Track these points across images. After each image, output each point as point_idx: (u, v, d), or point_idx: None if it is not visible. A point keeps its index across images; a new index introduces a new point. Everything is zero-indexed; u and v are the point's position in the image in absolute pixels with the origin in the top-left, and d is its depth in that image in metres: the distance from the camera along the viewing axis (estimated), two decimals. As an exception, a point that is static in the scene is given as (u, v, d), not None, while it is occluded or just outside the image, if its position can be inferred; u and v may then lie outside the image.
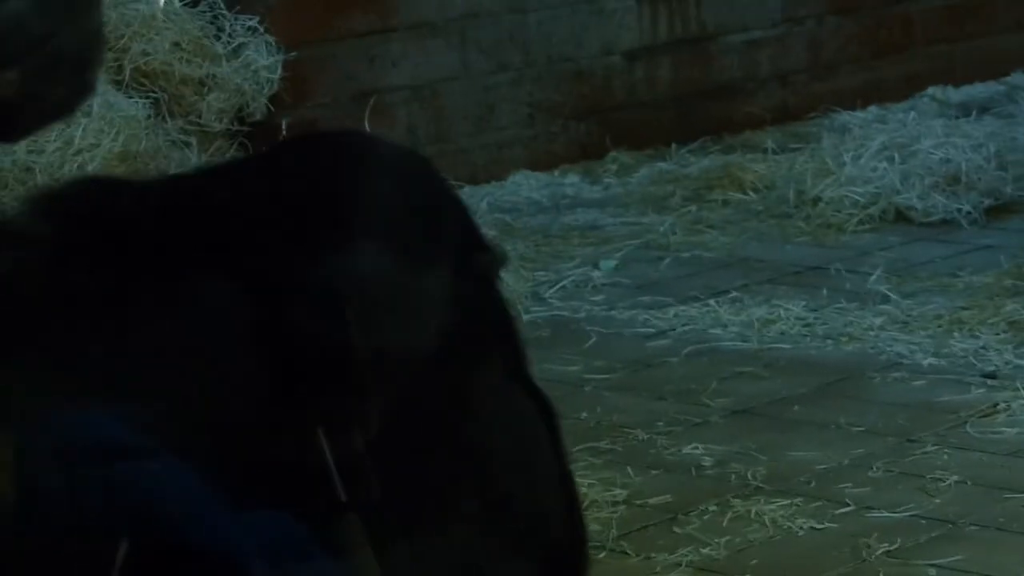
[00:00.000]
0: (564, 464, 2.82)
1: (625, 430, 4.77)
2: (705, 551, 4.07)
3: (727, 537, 4.14)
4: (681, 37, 7.64)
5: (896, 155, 6.62)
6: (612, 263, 6.13)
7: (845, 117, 7.71)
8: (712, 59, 7.74)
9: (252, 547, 2.46)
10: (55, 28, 2.56)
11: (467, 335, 2.70)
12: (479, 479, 2.69)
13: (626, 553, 4.10)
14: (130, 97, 6.38)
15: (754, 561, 4.04)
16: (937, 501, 4.30)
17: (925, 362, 5.17)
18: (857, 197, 6.50)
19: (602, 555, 4.06)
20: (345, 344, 2.55)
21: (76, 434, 2.43)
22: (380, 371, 2.59)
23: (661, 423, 4.81)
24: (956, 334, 5.34)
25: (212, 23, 6.62)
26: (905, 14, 8.27)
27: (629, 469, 4.51)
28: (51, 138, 6.17)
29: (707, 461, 4.55)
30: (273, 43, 6.63)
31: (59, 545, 2.41)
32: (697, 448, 4.63)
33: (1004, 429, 4.70)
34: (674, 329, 5.52)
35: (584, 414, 4.87)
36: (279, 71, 6.61)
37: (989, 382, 5.01)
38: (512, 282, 5.85)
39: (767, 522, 4.20)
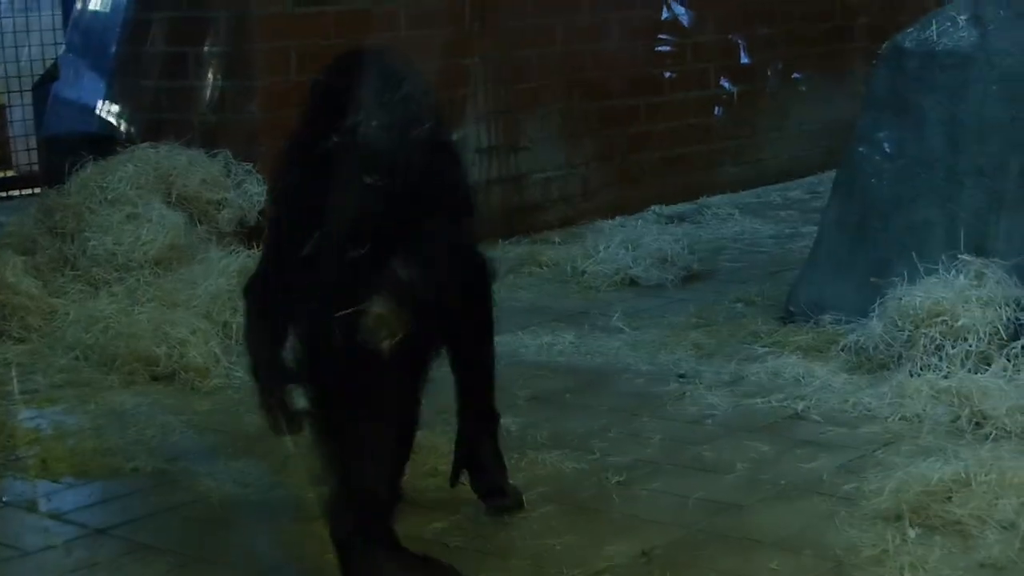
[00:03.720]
0: None
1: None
2: (512, 482, 4.06)
3: (523, 473, 4.15)
4: (505, 175, 7.69)
5: (630, 245, 6.69)
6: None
7: (601, 224, 7.72)
8: (524, 189, 7.78)
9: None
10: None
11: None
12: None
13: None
14: (175, 211, 6.35)
15: (541, 488, 4.05)
16: (649, 451, 4.33)
17: (644, 368, 5.19)
18: (607, 271, 6.55)
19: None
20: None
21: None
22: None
23: (488, 405, 4.79)
24: (662, 352, 5.36)
25: (225, 167, 6.60)
26: (638, 163, 8.35)
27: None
28: (127, 233, 6.14)
29: (514, 428, 4.53)
30: (261, 179, 6.61)
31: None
32: (508, 420, 4.57)
33: (689, 407, 4.74)
34: (497, 349, 5.45)
35: (441, 400, 4.81)
36: (264, 195, 6.59)
37: (681, 379, 5.02)
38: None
39: (548, 465, 4.22)
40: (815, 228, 6.10)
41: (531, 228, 7.66)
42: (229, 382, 5.12)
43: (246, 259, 6.08)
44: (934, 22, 5.34)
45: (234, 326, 5.64)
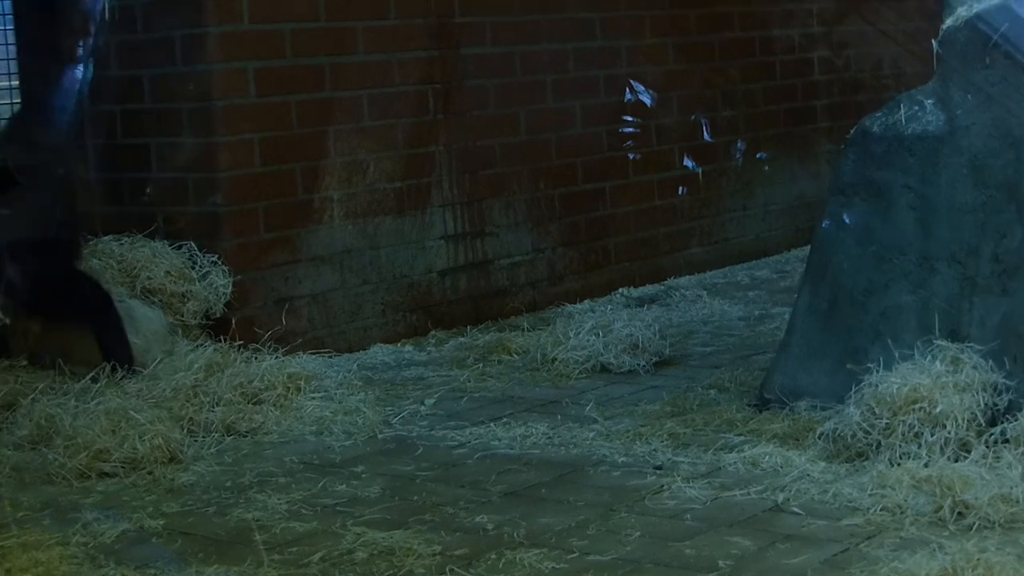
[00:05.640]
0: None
1: (440, 507, 4.65)
2: (489, 583, 3.99)
3: (501, 575, 4.04)
4: (472, 261, 7.63)
5: (600, 331, 6.61)
6: (432, 401, 6.05)
7: (570, 308, 7.69)
8: (491, 275, 7.72)
9: None
10: None
11: None
12: None
13: (442, 585, 4.01)
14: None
15: (519, 588, 3.95)
16: (629, 548, 4.21)
17: (620, 459, 5.08)
18: (578, 358, 6.47)
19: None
20: None
21: None
22: None
23: (462, 502, 4.69)
24: (638, 442, 5.25)
25: (189, 258, 6.52)
26: (604, 246, 8.31)
27: (442, 532, 4.40)
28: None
29: (490, 526, 4.44)
30: (227, 270, 6.53)
31: None
32: (483, 517, 4.53)
33: (668, 501, 4.61)
34: (470, 442, 5.41)
35: (415, 497, 4.77)
36: (230, 287, 6.51)
37: (658, 472, 4.91)
38: (371, 414, 5.77)
39: (527, 565, 4.08)
40: (784, 309, 6.06)
41: (499, 314, 7.60)
42: (198, 481, 5.01)
43: (213, 352, 5.99)
44: (901, 106, 5.31)
45: (201, 423, 5.54)
